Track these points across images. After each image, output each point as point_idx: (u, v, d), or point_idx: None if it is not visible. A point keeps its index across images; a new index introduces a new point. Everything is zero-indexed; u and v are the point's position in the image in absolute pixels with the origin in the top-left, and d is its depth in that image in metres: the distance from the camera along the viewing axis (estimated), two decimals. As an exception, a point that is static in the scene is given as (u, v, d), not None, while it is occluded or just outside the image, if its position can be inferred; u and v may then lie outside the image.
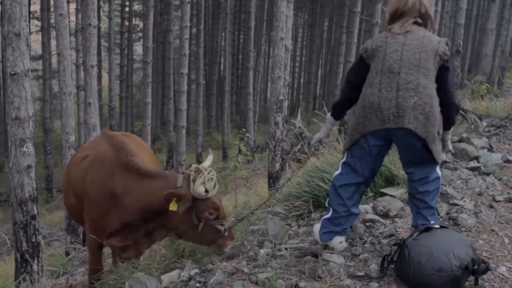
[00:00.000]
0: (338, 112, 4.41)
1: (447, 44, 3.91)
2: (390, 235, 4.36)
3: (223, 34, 33.48)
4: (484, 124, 8.09)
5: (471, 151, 6.30)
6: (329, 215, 4.15)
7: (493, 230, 4.56)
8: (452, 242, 3.69)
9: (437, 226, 3.92)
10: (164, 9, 32.67)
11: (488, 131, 7.53)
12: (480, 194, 5.23)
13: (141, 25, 39.31)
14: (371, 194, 5.08)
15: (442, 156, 3.94)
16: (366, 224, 4.50)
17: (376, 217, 4.57)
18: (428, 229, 3.87)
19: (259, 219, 6.01)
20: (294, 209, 5.26)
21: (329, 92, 36.01)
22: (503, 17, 31.58)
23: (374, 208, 4.72)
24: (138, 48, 46.10)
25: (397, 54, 3.86)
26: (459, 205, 4.90)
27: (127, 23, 33.09)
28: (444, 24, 36.15)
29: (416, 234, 3.81)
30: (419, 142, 3.82)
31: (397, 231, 4.46)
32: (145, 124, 21.14)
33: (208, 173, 4.87)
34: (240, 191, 11.68)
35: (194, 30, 36.94)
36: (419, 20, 4.00)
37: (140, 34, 42.72)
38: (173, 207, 4.79)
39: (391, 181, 5.16)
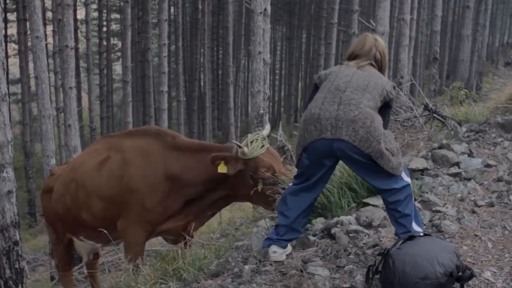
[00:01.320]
0: None
1: (393, 88, 4.06)
2: (374, 245, 4.35)
3: (202, 50, 33.57)
4: (464, 129, 8.12)
5: (452, 157, 6.32)
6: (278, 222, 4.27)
7: (476, 235, 4.57)
8: (436, 249, 3.69)
9: (420, 234, 3.92)
10: (142, 28, 32.63)
11: (468, 136, 7.55)
12: (462, 199, 5.23)
13: (120, 44, 39.26)
14: (353, 204, 5.08)
15: (399, 170, 3.91)
16: (350, 235, 4.49)
17: (360, 228, 4.56)
18: (412, 237, 3.87)
19: (244, 234, 6.00)
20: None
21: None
22: (478, 23, 32.00)
23: (357, 219, 4.71)
24: (117, 67, 46.00)
25: (347, 77, 3.97)
26: (442, 211, 4.90)
27: (105, 43, 33.02)
28: (420, 32, 36.49)
29: (399, 243, 3.81)
30: (362, 157, 3.79)
31: (381, 240, 4.45)
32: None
33: (254, 135, 5.32)
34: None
35: (173, 47, 36.98)
36: (374, 64, 4.15)
37: (119, 54, 42.64)
38: (222, 169, 5.14)
39: (373, 191, 5.15)
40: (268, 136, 5.56)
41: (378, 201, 5.03)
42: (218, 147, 5.61)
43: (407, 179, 4.04)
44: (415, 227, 4.04)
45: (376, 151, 3.75)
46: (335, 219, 4.73)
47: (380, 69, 4.19)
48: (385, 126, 4.01)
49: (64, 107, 13.10)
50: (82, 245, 6.64)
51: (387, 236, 4.52)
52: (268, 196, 5.13)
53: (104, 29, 34.03)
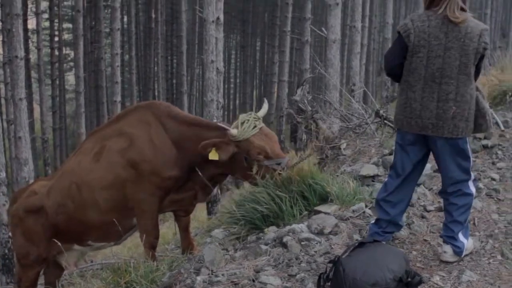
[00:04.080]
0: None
1: (487, 31, 3.97)
2: (326, 253, 4.38)
3: (156, 59, 33.41)
4: (414, 135, 8.27)
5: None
6: None
7: (425, 240, 4.65)
8: (385, 256, 3.74)
9: (370, 240, 3.98)
10: (94, 37, 32.26)
11: (418, 142, 7.69)
12: (411, 205, 5.30)
13: (72, 54, 38.73)
14: (305, 212, 5.10)
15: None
16: (302, 243, 4.50)
17: (312, 236, 4.58)
18: (362, 244, 3.92)
19: (198, 245, 5.96)
20: (231, 233, 5.24)
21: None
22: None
23: (309, 227, 4.74)
24: (70, 77, 45.25)
25: (438, 61, 3.92)
26: (392, 217, 4.96)
27: (57, 53, 32.50)
28: (372, 39, 36.99)
29: (350, 250, 3.85)
30: (459, 142, 4.04)
31: (332, 248, 4.48)
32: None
33: (245, 116, 5.17)
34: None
35: (127, 56, 36.70)
36: (461, 4, 3.93)
37: (72, 64, 41.99)
38: (213, 156, 5.04)
39: (324, 198, 5.20)
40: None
41: (329, 208, 5.08)
42: (212, 125, 5.48)
43: (473, 189, 4.21)
44: (461, 237, 4.19)
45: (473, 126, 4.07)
46: (287, 227, 4.75)
47: (465, 2, 3.99)
48: (477, 77, 4.13)
49: (14, 119, 12.88)
50: (76, 253, 6.46)
51: (338, 243, 4.56)
52: (264, 177, 5.09)
53: (56, 38, 33.53)
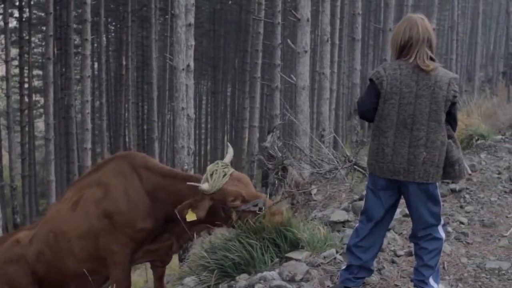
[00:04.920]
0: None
1: (456, 80, 4.08)
2: (297, 300, 4.37)
3: (127, 105, 33.39)
4: (384, 180, 8.36)
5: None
6: None
7: (396, 285, 4.67)
8: (356, 302, 3.76)
9: (340, 287, 3.99)
10: (64, 84, 32.25)
11: (387, 187, 7.77)
12: (382, 250, 5.33)
13: (42, 101, 38.60)
14: (277, 259, 5.10)
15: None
16: (274, 291, 4.50)
17: (283, 283, 4.58)
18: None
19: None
20: (202, 281, 5.21)
21: (236, 157, 36.17)
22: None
23: (280, 274, 4.73)
24: (40, 124, 45.00)
25: (410, 108, 3.99)
26: (363, 263, 4.97)
27: (27, 100, 32.38)
28: (342, 84, 37.46)
29: (321, 297, 3.86)
30: (429, 187, 4.12)
31: (303, 295, 4.48)
32: (49, 203, 20.54)
33: (213, 166, 5.12)
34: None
35: (97, 103, 36.62)
36: (430, 52, 4.05)
37: (41, 110, 41.86)
38: (191, 217, 5.01)
39: (295, 245, 5.20)
40: (231, 162, 5.40)
41: (300, 255, 5.08)
42: (185, 176, 5.46)
43: (443, 234, 4.28)
44: (432, 282, 4.22)
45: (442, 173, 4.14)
46: (259, 275, 4.74)
47: (432, 52, 4.10)
48: (455, 125, 4.25)
49: (-18, 167, 12.72)
50: None
51: (310, 290, 4.56)
52: (246, 221, 5.06)
53: (26, 85, 33.46)
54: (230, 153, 5.56)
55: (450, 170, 4.14)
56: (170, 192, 5.22)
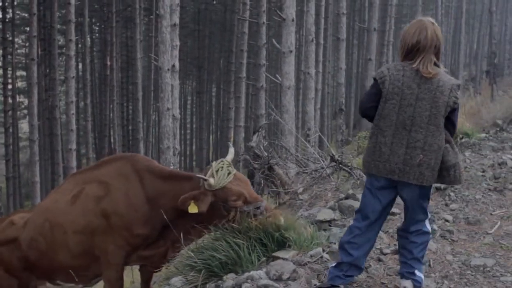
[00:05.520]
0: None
1: (458, 87, 4.09)
2: (285, 299, 4.38)
3: (111, 106, 33.26)
4: (369, 179, 8.39)
5: (357, 207, 6.50)
6: None
7: (383, 283, 4.69)
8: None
9: (327, 285, 4.01)
10: (49, 85, 32.08)
11: (373, 185, 7.81)
12: (368, 248, 5.37)
13: (26, 102, 38.37)
14: (264, 258, 5.10)
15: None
16: (261, 290, 4.50)
17: (270, 282, 4.58)
18: (320, 289, 3.94)
19: (157, 293, 5.91)
20: (189, 281, 5.20)
21: (221, 157, 36.07)
22: (380, 75, 33.19)
23: (267, 273, 4.73)
24: (24, 125, 44.72)
25: (410, 109, 4.01)
26: (349, 261, 4.99)
27: (10, 101, 32.18)
28: (327, 84, 37.57)
29: (308, 295, 3.87)
30: (423, 189, 4.17)
31: (291, 294, 4.49)
32: (34, 205, 20.43)
33: (218, 163, 5.11)
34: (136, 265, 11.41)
35: (82, 104, 36.49)
36: (435, 58, 4.07)
37: (26, 112, 41.60)
38: (193, 209, 4.99)
39: (282, 244, 5.21)
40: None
41: (287, 254, 5.09)
42: (186, 177, 5.44)
43: (429, 227, 4.37)
44: (418, 273, 4.32)
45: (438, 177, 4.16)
46: (246, 274, 4.74)
47: (438, 58, 4.12)
48: (453, 130, 4.25)
49: (-34, 169, 12.63)
50: None
51: (297, 288, 4.57)
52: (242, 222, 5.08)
53: (10, 86, 33.23)
54: (231, 153, 5.60)
55: (445, 174, 4.17)
56: (172, 197, 5.20)
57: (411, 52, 4.05)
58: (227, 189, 5.04)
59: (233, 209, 5.05)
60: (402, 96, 4.02)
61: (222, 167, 5.13)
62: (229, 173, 5.11)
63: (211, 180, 5.01)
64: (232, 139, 28.20)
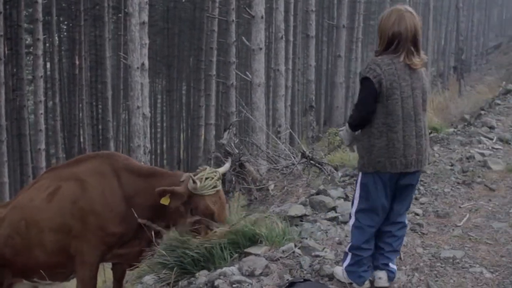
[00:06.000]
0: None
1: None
2: (257, 294, 4.40)
3: (81, 105, 33.00)
4: (340, 174, 8.44)
5: (328, 202, 6.55)
6: None
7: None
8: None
9: (300, 280, 4.03)
10: (16, 85, 31.64)
11: (343, 181, 7.86)
12: (340, 243, 5.41)
13: (-7, 102, 37.87)
14: (236, 255, 5.12)
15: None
16: (233, 286, 4.51)
17: (243, 278, 4.60)
18: (292, 284, 3.97)
19: (129, 292, 5.90)
20: (161, 279, 5.20)
21: (192, 155, 36.11)
22: (350, 71, 33.56)
23: (239, 269, 4.75)
24: (-9, 126, 44.20)
25: (410, 100, 4.06)
26: (321, 256, 5.02)
27: (-23, 102, 31.72)
28: (297, 81, 37.67)
29: (280, 290, 3.89)
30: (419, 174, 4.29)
31: (263, 289, 4.51)
32: (4, 200, 20.19)
33: (211, 173, 5.20)
34: (109, 264, 11.34)
35: (50, 103, 36.08)
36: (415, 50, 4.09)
37: (-7, 112, 41.06)
38: (164, 201, 5.09)
39: (253, 240, 5.23)
40: (224, 174, 5.52)
41: (259, 249, 5.11)
42: (167, 173, 5.55)
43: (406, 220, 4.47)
44: (392, 264, 4.41)
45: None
46: (218, 270, 4.75)
47: (419, 46, 4.15)
48: None
49: None
50: (28, 286, 6.27)
51: (269, 284, 4.59)
52: (192, 228, 5.17)
53: (-24, 87, 32.76)
54: (225, 167, 5.76)
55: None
56: (150, 195, 5.24)
57: (392, 43, 4.06)
58: (204, 200, 5.15)
59: (197, 218, 5.16)
60: (401, 90, 4.04)
61: (212, 177, 5.21)
62: (214, 187, 5.20)
63: (198, 184, 5.10)
64: (202, 137, 28.19)
